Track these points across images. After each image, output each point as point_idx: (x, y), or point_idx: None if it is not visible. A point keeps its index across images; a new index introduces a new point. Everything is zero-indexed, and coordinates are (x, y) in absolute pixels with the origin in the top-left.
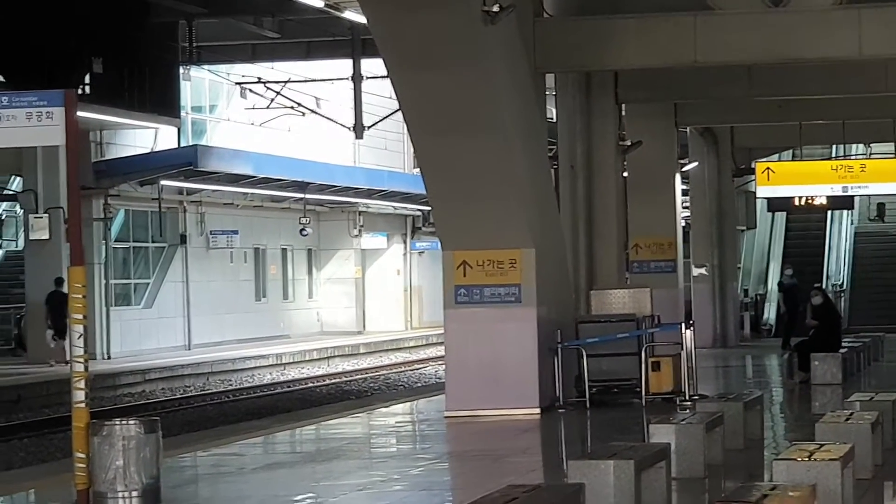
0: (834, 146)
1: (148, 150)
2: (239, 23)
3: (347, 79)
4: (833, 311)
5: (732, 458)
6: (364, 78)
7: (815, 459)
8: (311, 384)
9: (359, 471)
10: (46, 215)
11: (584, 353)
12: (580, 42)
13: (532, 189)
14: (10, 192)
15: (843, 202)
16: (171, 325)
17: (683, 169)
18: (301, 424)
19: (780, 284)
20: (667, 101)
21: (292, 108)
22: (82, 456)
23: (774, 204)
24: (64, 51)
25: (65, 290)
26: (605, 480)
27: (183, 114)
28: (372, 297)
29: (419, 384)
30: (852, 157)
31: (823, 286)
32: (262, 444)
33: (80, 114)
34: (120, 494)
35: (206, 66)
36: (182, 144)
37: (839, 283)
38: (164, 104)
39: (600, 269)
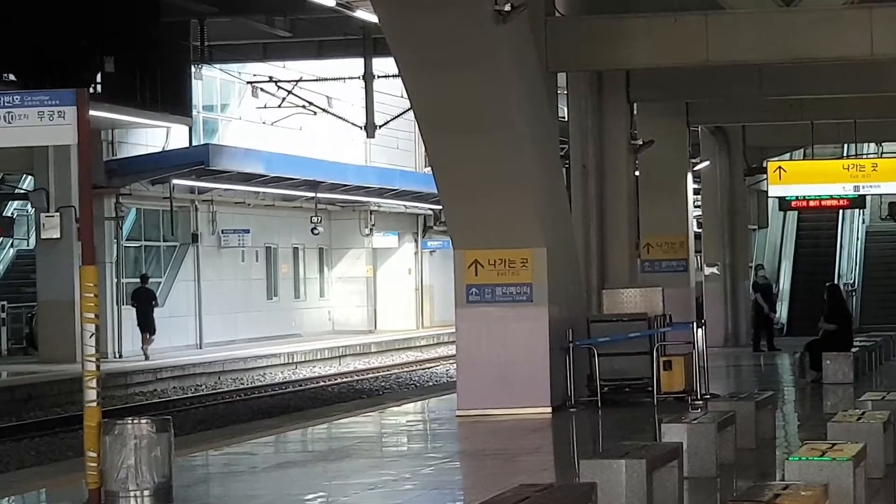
0: (845, 145)
1: (159, 150)
2: (250, 22)
3: (359, 78)
4: (844, 309)
5: (744, 458)
6: (375, 77)
7: (828, 459)
8: (322, 383)
9: (370, 470)
10: (58, 214)
11: (596, 353)
12: (592, 41)
13: (544, 188)
14: (22, 191)
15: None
16: (182, 324)
17: (695, 168)
18: (312, 423)
19: (755, 285)
20: (678, 101)
21: (304, 107)
22: (94, 455)
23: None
24: (76, 50)
25: (149, 286)
26: (617, 480)
27: (194, 113)
28: (383, 296)
29: (430, 383)
30: (864, 157)
31: (836, 283)
32: (273, 443)
33: (91, 113)
34: (132, 493)
35: (217, 65)
36: (194, 143)
37: (851, 282)
38: (176, 103)
39: (612, 269)
